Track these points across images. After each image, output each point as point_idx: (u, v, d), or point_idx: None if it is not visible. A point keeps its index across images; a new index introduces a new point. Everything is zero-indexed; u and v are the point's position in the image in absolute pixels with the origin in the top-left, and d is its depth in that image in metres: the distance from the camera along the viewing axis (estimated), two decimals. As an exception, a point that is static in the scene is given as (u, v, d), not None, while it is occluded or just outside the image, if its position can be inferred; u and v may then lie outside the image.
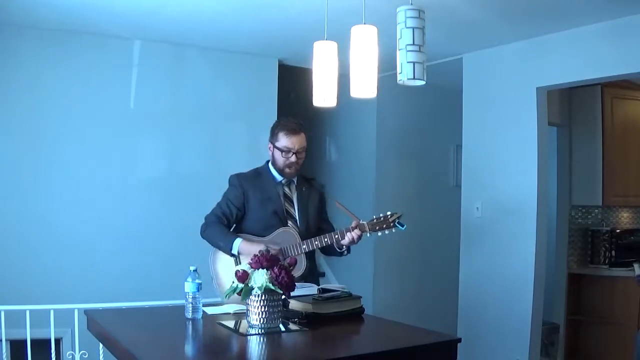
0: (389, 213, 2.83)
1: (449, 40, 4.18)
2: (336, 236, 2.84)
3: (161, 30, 4.05)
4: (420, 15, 2.26)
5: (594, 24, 3.71)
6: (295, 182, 3.06)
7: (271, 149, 3.00)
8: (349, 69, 2.42)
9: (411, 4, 2.27)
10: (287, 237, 2.91)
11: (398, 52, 2.27)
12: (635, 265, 3.51)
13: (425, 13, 2.27)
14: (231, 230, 3.02)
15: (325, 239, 2.85)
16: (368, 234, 2.86)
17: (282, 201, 3.00)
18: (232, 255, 2.90)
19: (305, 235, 2.94)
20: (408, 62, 2.23)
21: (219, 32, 4.10)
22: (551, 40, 3.97)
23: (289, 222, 2.98)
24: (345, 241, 2.84)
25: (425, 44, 2.26)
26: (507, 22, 3.79)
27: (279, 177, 3.03)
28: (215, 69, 4.58)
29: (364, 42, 2.39)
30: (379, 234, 2.83)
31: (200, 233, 3.00)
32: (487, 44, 4.32)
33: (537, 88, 4.12)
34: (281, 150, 2.94)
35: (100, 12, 3.66)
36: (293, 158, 2.93)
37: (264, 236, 2.94)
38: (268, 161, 3.07)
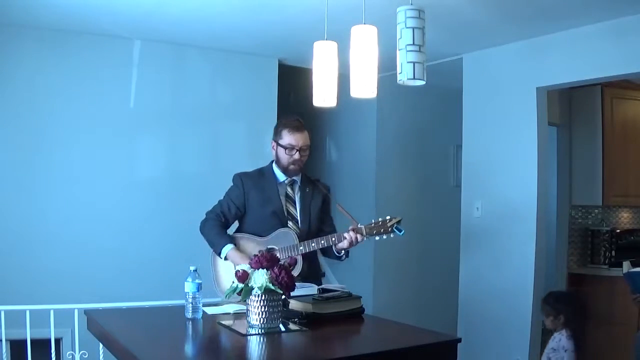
0: (388, 217, 2.76)
1: (449, 40, 4.18)
2: (333, 239, 2.82)
3: (161, 30, 4.05)
4: (420, 15, 2.26)
5: (594, 24, 3.71)
6: (299, 182, 3.05)
7: (275, 147, 2.99)
8: (349, 69, 2.42)
9: (411, 4, 2.27)
10: (285, 238, 2.89)
11: (398, 52, 2.27)
12: (625, 264, 3.50)
13: (425, 13, 2.28)
14: (232, 228, 3.02)
15: (322, 241, 2.83)
16: (365, 238, 2.80)
17: (282, 202, 3.00)
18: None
19: (306, 236, 2.94)
20: (408, 62, 2.24)
21: (219, 32, 4.10)
22: (551, 40, 3.97)
23: (290, 223, 2.97)
24: (344, 244, 2.80)
25: (425, 44, 2.26)
26: (507, 22, 3.79)
27: (281, 177, 3.02)
28: (215, 69, 4.58)
29: (364, 42, 2.39)
30: (377, 238, 2.78)
31: (199, 228, 3.02)
32: (487, 44, 4.32)
33: (537, 88, 4.12)
34: (285, 148, 2.93)
35: (100, 12, 3.66)
36: (297, 155, 2.93)
37: (263, 236, 2.94)
38: (272, 161, 3.06)
